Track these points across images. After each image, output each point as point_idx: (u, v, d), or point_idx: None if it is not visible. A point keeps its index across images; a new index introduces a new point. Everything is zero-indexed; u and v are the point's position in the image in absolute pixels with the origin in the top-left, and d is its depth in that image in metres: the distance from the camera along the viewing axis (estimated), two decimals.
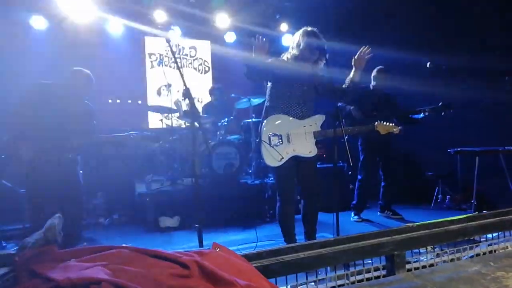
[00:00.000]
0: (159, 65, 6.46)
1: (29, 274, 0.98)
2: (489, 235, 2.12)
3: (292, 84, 2.88)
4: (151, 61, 6.71)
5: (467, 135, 4.54)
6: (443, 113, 4.09)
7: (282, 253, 1.56)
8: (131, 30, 6.01)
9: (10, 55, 5.04)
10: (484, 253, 2.01)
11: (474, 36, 4.52)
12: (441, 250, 1.93)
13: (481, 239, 2.13)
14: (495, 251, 2.05)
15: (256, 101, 5.12)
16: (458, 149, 4.38)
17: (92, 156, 4.48)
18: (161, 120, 5.32)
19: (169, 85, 5.13)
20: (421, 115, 4.20)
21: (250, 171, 5.30)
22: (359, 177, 4.47)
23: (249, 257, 1.46)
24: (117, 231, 4.55)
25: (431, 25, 5.04)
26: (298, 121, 2.88)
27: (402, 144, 4.51)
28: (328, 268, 1.66)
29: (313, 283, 1.59)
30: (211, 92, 5.87)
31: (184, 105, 5.21)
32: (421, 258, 1.89)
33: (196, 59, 7.07)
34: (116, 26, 5.89)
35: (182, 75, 2.37)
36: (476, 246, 2.05)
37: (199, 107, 6.20)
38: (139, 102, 6.54)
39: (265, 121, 2.89)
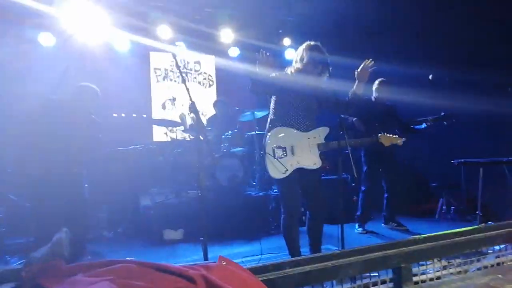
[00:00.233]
0: (164, 80, 6.54)
1: None
2: (497, 247, 2.09)
3: (295, 97, 2.90)
4: (156, 76, 6.79)
5: (470, 146, 4.52)
6: (445, 123, 4.10)
7: (288, 267, 1.55)
8: (136, 45, 6.10)
9: (19, 71, 5.13)
10: (492, 265, 1.99)
11: (477, 47, 4.54)
12: (448, 262, 1.92)
13: (488, 251, 2.11)
14: (503, 263, 2.03)
15: (259, 114, 5.15)
16: (462, 160, 4.37)
17: (97, 169, 4.49)
18: (166, 133, 5.35)
19: (173, 99, 5.18)
20: (423, 125, 4.20)
21: (254, 183, 5.30)
22: (362, 188, 4.46)
23: (255, 271, 1.45)
24: (121, 244, 4.54)
25: (433, 37, 5.08)
26: (302, 134, 2.89)
27: (406, 155, 4.51)
28: (334, 281, 1.65)
29: None
30: (215, 105, 5.92)
31: (189, 119, 5.25)
32: (428, 270, 1.87)
33: (201, 73, 7.15)
34: (122, 42, 5.99)
35: (187, 90, 2.40)
36: (484, 258, 2.03)
37: (203, 120, 6.24)
38: (144, 115, 6.60)
39: (269, 133, 2.91)
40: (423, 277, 1.81)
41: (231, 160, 4.86)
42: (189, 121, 5.24)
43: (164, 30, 5.89)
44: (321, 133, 2.93)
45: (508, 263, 2.02)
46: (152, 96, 6.72)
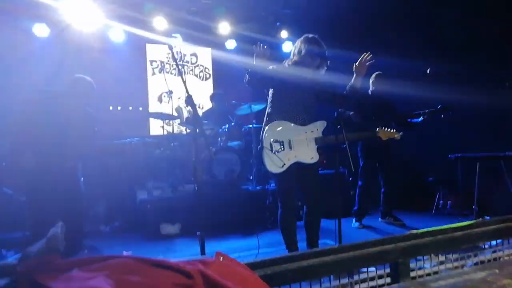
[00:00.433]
0: (160, 72, 6.49)
1: (31, 285, 0.97)
2: (493, 242, 2.10)
3: (293, 90, 2.88)
4: (153, 68, 6.73)
5: (467, 140, 4.53)
6: (442, 116, 4.09)
7: (285, 262, 1.54)
8: (132, 37, 6.03)
9: (13, 63, 5.06)
10: (489, 260, 1.99)
11: (475, 42, 4.53)
12: (445, 257, 1.92)
13: (485, 246, 2.12)
14: (500, 258, 2.03)
15: (256, 107, 5.12)
16: (459, 155, 4.37)
17: (93, 163, 4.47)
18: (162, 126, 5.32)
19: (170, 92, 5.14)
20: (420, 118, 4.20)
21: (251, 177, 5.29)
22: (359, 183, 4.46)
23: (252, 266, 1.44)
24: (118, 238, 4.53)
25: (431, 31, 5.06)
26: (300, 127, 2.88)
27: (402, 149, 4.50)
28: (332, 276, 1.65)
29: None
30: (212, 98, 5.88)
31: (186, 112, 5.21)
32: (425, 265, 1.87)
33: (197, 66, 7.10)
34: (118, 33, 5.92)
35: (184, 82, 2.37)
36: (481, 253, 2.03)
37: (200, 113, 6.21)
38: (140, 108, 6.55)
39: (266, 127, 2.89)
40: (420, 272, 1.82)
41: (228, 154, 4.85)
42: (185, 114, 5.21)
43: (160, 22, 5.83)
44: (318, 127, 2.92)
45: (505, 258, 2.02)
46: (149, 88, 6.66)
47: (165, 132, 5.32)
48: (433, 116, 4.12)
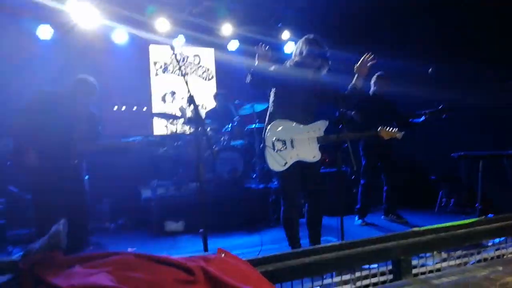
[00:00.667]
0: (164, 73, 6.51)
1: (34, 281, 0.99)
2: (496, 240, 2.09)
3: (295, 91, 2.89)
4: (156, 69, 6.75)
5: (470, 139, 4.51)
6: (444, 116, 4.08)
7: (287, 258, 1.55)
8: (136, 38, 6.05)
9: (17, 64, 5.10)
10: (492, 258, 1.99)
11: (477, 41, 4.51)
12: (448, 254, 1.92)
13: (489, 244, 2.11)
14: (503, 255, 2.03)
15: (259, 107, 5.14)
16: (462, 153, 4.35)
17: (97, 162, 4.50)
18: (166, 126, 5.34)
19: (173, 92, 5.16)
20: (422, 118, 4.18)
21: (254, 176, 5.30)
22: (361, 181, 4.46)
23: (254, 262, 1.45)
24: (123, 235, 4.57)
25: (433, 31, 5.04)
26: (302, 127, 2.89)
27: (405, 148, 4.49)
28: (334, 273, 1.65)
29: None
30: (215, 98, 5.90)
31: (189, 112, 5.23)
32: (427, 262, 1.87)
33: (200, 66, 7.12)
34: (122, 34, 5.94)
35: (186, 82, 2.38)
36: (484, 250, 2.03)
37: (203, 113, 6.23)
38: (145, 108, 6.58)
39: (268, 126, 2.90)
40: (423, 269, 1.82)
41: (231, 153, 4.86)
42: (189, 114, 5.22)
43: (163, 23, 5.84)
44: (320, 126, 2.93)
45: (508, 255, 2.02)
46: (152, 89, 6.69)
47: (169, 132, 5.34)
48: (434, 116, 4.10)
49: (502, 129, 4.32)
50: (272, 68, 2.88)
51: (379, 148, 4.19)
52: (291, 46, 6.63)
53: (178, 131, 5.22)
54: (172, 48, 2.47)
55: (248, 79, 2.81)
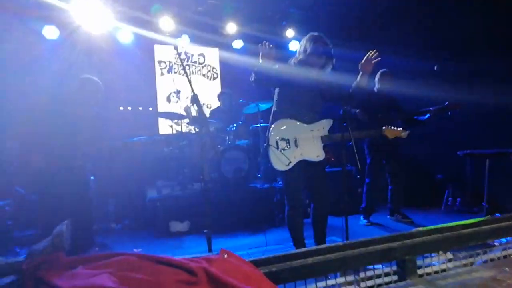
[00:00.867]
0: (168, 72, 6.53)
1: (36, 282, 0.99)
2: (503, 239, 2.07)
3: (299, 89, 2.88)
4: (161, 69, 6.78)
5: (476, 137, 4.46)
6: (449, 113, 4.03)
7: (290, 259, 1.55)
8: (141, 38, 6.07)
9: (23, 65, 5.15)
10: (499, 258, 1.97)
11: (483, 38, 4.46)
12: (454, 254, 1.90)
13: (495, 243, 2.08)
14: (510, 255, 2.00)
15: (264, 106, 5.12)
16: (467, 151, 4.31)
17: (103, 162, 4.53)
18: (171, 126, 5.35)
19: (178, 92, 5.17)
20: (427, 116, 4.14)
21: (259, 175, 5.30)
22: (366, 180, 4.43)
23: (257, 263, 1.45)
24: (128, 236, 4.59)
25: (438, 27, 4.99)
26: (306, 126, 2.87)
27: (410, 146, 4.46)
28: (338, 273, 1.64)
29: None
30: (219, 97, 5.90)
31: (194, 111, 5.23)
32: (433, 263, 1.85)
33: (205, 66, 7.13)
34: (126, 34, 5.97)
35: (190, 82, 2.39)
36: (490, 250, 2.00)
37: (208, 112, 6.23)
38: (150, 109, 6.61)
39: (272, 125, 2.89)
40: (428, 269, 1.80)
41: (236, 153, 4.86)
42: (193, 114, 5.23)
43: (168, 23, 5.85)
44: (324, 125, 2.91)
45: None
46: (157, 88, 6.71)
47: (174, 132, 5.36)
48: (439, 114, 4.06)
49: (509, 126, 4.27)
50: (276, 66, 2.86)
51: (384, 147, 4.17)
52: (295, 44, 6.61)
53: (183, 131, 5.23)
54: (176, 47, 2.47)
55: (252, 78, 2.80)
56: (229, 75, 7.07)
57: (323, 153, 2.88)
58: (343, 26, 5.68)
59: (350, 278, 1.66)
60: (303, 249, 1.64)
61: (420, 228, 1.89)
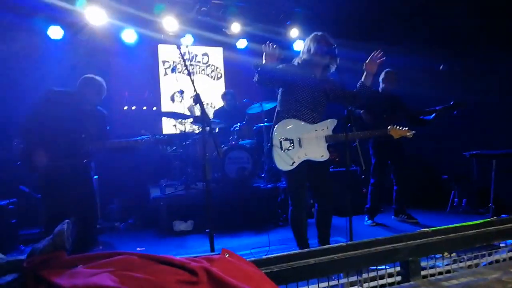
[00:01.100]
0: (172, 72, 6.54)
1: (37, 281, 0.99)
2: (509, 241, 2.04)
3: (303, 89, 2.87)
4: (165, 68, 6.79)
5: (482, 136, 4.42)
6: (455, 113, 3.99)
7: (292, 259, 1.53)
8: (145, 38, 6.09)
9: (28, 65, 5.19)
10: (504, 260, 1.94)
11: (489, 36, 4.41)
12: (458, 256, 1.87)
13: (501, 245, 2.06)
14: None
15: (267, 106, 5.12)
16: (474, 152, 4.26)
17: (107, 162, 4.55)
18: (175, 125, 5.37)
19: (182, 91, 5.18)
20: (432, 115, 4.11)
21: (263, 175, 5.29)
22: (371, 181, 4.41)
23: (258, 263, 1.44)
24: (132, 235, 4.61)
25: (444, 26, 4.95)
26: (310, 126, 2.86)
27: (416, 146, 4.42)
28: (341, 274, 1.63)
29: None
30: (223, 97, 5.91)
31: (197, 111, 5.24)
32: (437, 264, 1.83)
33: (209, 65, 7.13)
34: (131, 34, 5.99)
35: (192, 81, 2.39)
36: (496, 252, 1.98)
37: (211, 112, 6.24)
38: (154, 108, 6.62)
39: (276, 125, 2.88)
40: (432, 271, 1.78)
41: (239, 153, 4.86)
42: (197, 113, 5.24)
43: (171, 23, 5.86)
44: (328, 125, 2.90)
45: None
46: (161, 88, 6.73)
47: (178, 131, 5.37)
48: (445, 113, 4.02)
49: None
50: (280, 66, 2.86)
51: (389, 147, 4.14)
52: (300, 44, 6.59)
53: (186, 131, 5.24)
54: (178, 46, 2.47)
55: (256, 78, 2.79)
56: (233, 75, 7.07)
57: (328, 153, 2.86)
58: (348, 26, 5.65)
59: (353, 279, 1.64)
60: (305, 250, 1.63)
61: (425, 229, 1.87)
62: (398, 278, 1.71)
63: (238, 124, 5.21)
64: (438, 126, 4.22)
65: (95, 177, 3.78)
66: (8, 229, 3.81)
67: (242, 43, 6.73)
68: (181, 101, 5.28)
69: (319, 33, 2.91)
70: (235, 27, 6.32)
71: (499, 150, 4.07)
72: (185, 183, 4.92)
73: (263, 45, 2.76)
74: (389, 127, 3.04)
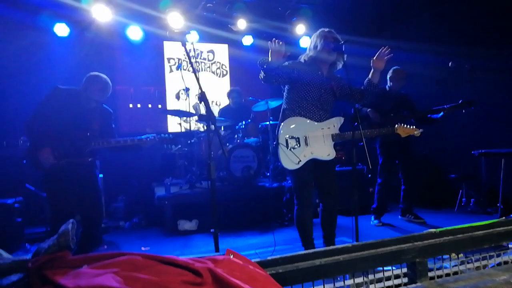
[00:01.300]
0: (178, 69, 6.53)
1: (41, 280, 0.99)
2: None
3: (309, 86, 2.84)
4: (170, 66, 6.79)
5: (490, 135, 4.37)
6: (464, 111, 3.94)
7: (297, 260, 1.52)
8: (150, 35, 6.09)
9: (34, 62, 5.21)
10: None
11: (498, 34, 4.35)
12: (466, 257, 1.85)
13: (509, 246, 2.03)
14: None
15: (273, 103, 5.09)
16: (483, 151, 4.21)
17: (112, 161, 4.56)
18: (180, 123, 5.37)
19: (187, 89, 5.18)
20: (440, 114, 4.06)
21: (268, 174, 5.27)
22: (378, 180, 4.37)
23: (263, 264, 1.42)
24: (137, 234, 4.62)
25: (453, 23, 4.89)
26: (316, 124, 2.84)
27: (423, 145, 4.39)
28: (347, 275, 1.61)
29: None
30: (229, 95, 5.89)
31: (202, 109, 5.23)
32: (444, 265, 1.81)
33: (214, 62, 7.12)
34: (136, 31, 5.99)
35: (197, 79, 2.37)
36: (504, 253, 1.95)
37: (217, 110, 6.23)
38: (160, 106, 6.63)
39: (282, 123, 2.86)
40: (439, 272, 1.75)
41: (245, 151, 4.84)
42: (202, 111, 5.23)
43: (177, 19, 5.85)
44: (335, 123, 2.87)
45: None
46: (167, 86, 6.73)
47: (183, 129, 5.36)
48: (453, 112, 3.97)
49: None
50: (286, 63, 2.83)
51: (397, 146, 4.10)
52: (306, 41, 6.55)
53: (192, 129, 5.24)
54: (183, 43, 2.44)
55: (262, 75, 2.76)
56: (239, 72, 7.05)
57: (334, 151, 2.84)
58: (355, 22, 5.61)
59: (359, 280, 1.63)
60: (311, 251, 1.61)
61: (432, 230, 1.84)
62: (405, 280, 1.69)
63: (244, 122, 5.19)
64: (446, 124, 4.17)
65: (100, 175, 3.79)
66: (14, 228, 3.83)
67: (248, 40, 6.70)
68: (186, 99, 5.28)
69: (326, 29, 2.88)
70: (241, 24, 6.29)
71: (509, 149, 4.01)
72: (190, 182, 4.92)
73: (269, 42, 2.73)
74: (396, 125, 3.00)
